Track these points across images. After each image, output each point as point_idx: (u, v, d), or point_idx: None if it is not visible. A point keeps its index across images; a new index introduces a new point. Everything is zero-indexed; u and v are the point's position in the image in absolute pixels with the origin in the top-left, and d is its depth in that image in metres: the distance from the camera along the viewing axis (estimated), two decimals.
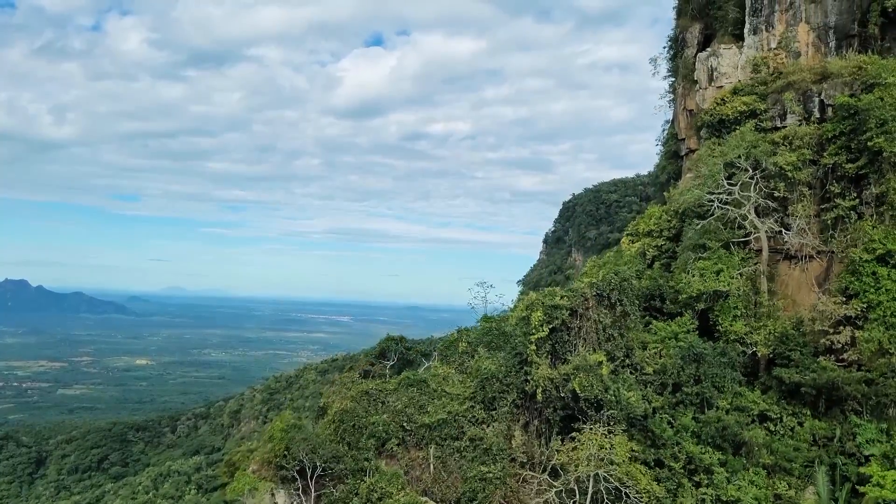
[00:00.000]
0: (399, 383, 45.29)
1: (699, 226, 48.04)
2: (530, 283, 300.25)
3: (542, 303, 42.07)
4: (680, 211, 52.05)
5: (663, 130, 72.64)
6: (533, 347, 41.39)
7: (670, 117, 70.85)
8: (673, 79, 68.92)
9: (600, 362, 39.63)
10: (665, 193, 59.30)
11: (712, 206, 47.35)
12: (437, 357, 49.33)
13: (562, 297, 42.31)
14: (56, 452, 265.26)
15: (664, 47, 71.04)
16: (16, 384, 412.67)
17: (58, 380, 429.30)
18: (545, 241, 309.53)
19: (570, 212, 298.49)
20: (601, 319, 42.93)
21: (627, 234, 64.28)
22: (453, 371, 45.94)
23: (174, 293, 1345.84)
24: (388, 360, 50.86)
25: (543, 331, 41.25)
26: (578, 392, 38.92)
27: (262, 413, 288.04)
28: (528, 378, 41.54)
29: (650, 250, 56.47)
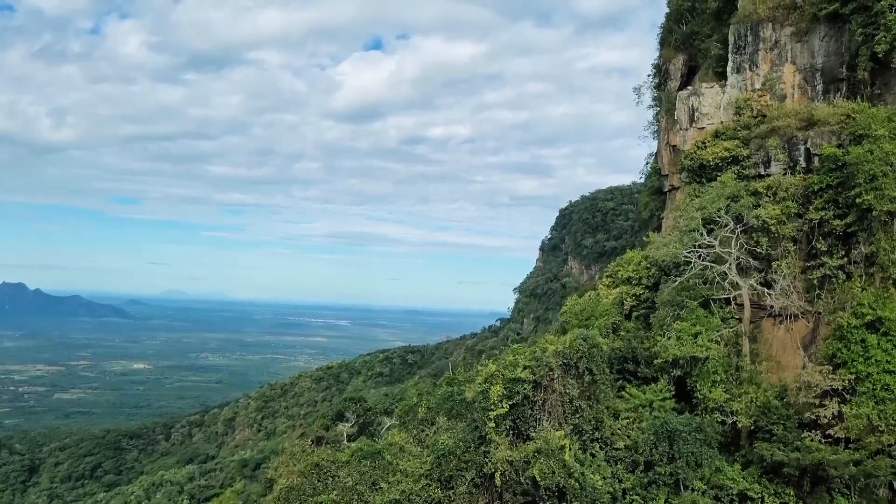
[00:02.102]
0: (352, 455, 42.11)
1: (676, 283, 44.80)
2: (527, 290, 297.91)
3: (503, 375, 38.83)
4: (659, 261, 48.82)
5: (646, 164, 69.33)
6: (492, 425, 38.17)
7: (654, 150, 67.59)
8: (657, 108, 65.68)
9: (563, 446, 36.33)
10: (644, 238, 56.05)
11: (691, 261, 44.14)
12: (397, 421, 46.08)
13: (524, 369, 39.03)
14: (49, 460, 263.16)
15: (648, 75, 67.86)
16: (12, 388, 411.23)
17: (55, 384, 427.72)
18: (541, 249, 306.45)
19: (567, 219, 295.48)
20: (568, 391, 39.67)
21: (607, 276, 61.03)
22: (411, 440, 42.73)
23: (174, 297, 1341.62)
24: (345, 423, 47.65)
25: (503, 407, 38.03)
26: (538, 480, 35.70)
27: (256, 421, 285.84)
28: (488, 458, 38.31)
29: (628, 299, 53.18)
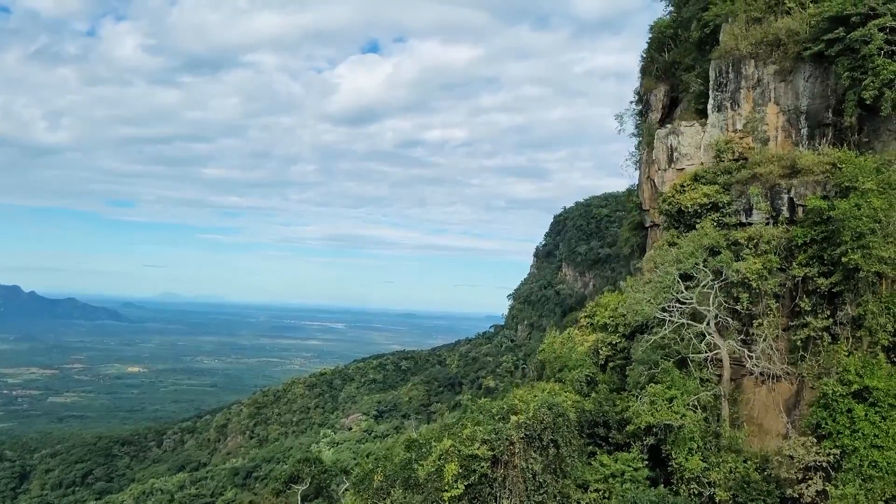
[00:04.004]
0: None
1: (650, 341, 41.84)
2: (521, 296, 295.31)
3: (458, 452, 35.83)
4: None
5: (628, 194, 66.24)
6: None
7: (636, 181, 64.50)
8: (640, 138, 62.65)
9: None
10: (622, 283, 53.07)
11: (665, 320, 41.20)
12: (351, 489, 43.06)
13: (482, 444, 36.03)
14: (40, 467, 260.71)
15: (631, 102, 64.71)
16: (6, 392, 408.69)
17: (49, 387, 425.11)
18: (536, 255, 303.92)
19: (561, 226, 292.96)
20: (530, 466, 36.73)
21: (584, 316, 58.10)
22: None
23: (169, 299, 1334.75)
24: (299, 486, 44.61)
25: (458, 488, 35.05)
26: None
27: (248, 428, 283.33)
28: None
29: (604, 349, 50.25)
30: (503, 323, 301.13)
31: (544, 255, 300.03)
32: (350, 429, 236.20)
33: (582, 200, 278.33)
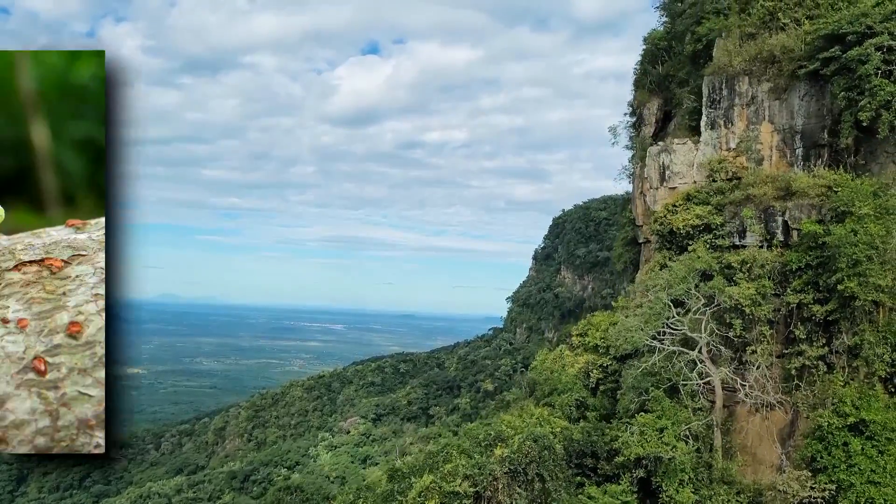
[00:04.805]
0: None
1: (640, 369, 40.58)
2: (519, 299, 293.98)
3: (440, 488, 34.57)
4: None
5: (622, 209, 64.94)
6: None
7: (629, 191, 63.19)
8: (634, 151, 61.37)
9: None
10: (613, 303, 51.78)
11: (656, 347, 39.93)
12: None
13: (464, 480, 34.77)
14: (38, 469, 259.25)
15: (625, 114, 63.44)
16: None
17: None
18: (535, 258, 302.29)
19: (560, 228, 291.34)
20: (514, 501, 35.46)
21: (577, 335, 56.84)
22: None
23: (168, 301, 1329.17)
24: None
25: None
26: None
27: (247, 430, 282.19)
28: None
29: (595, 371, 49.01)
30: (502, 325, 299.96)
31: (543, 258, 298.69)
32: (348, 432, 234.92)
33: (581, 203, 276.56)
